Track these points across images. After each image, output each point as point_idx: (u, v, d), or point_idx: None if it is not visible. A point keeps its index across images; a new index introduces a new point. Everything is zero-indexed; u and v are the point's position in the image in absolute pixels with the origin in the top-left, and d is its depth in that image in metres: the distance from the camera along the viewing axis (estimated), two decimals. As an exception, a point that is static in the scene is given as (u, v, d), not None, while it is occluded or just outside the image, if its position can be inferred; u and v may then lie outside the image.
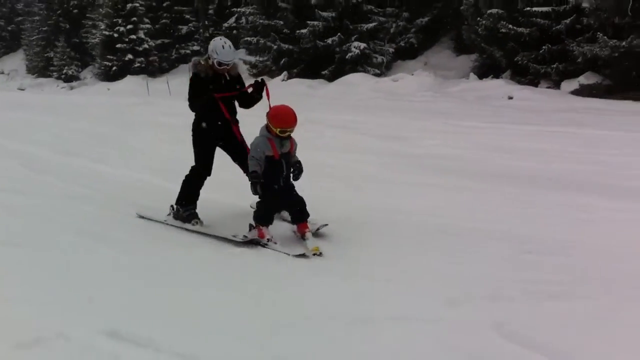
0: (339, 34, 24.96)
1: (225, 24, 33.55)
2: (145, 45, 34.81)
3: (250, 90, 6.01)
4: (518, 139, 10.29)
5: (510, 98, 17.09)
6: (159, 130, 12.45)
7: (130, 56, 34.71)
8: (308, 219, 5.56)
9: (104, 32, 35.14)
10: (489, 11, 19.36)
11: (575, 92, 17.05)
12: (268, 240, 5.36)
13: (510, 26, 18.67)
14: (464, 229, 5.57)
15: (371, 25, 25.10)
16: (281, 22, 26.89)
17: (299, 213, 5.59)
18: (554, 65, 17.98)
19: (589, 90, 16.76)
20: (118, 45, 34.68)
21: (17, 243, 5.15)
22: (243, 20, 30.36)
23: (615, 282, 4.22)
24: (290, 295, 4.22)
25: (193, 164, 6.12)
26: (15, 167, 8.92)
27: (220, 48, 5.74)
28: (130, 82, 31.93)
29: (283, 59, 26.96)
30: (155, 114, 15.11)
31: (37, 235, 5.42)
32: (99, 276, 4.42)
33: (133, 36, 34.52)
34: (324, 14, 25.07)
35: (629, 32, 15.76)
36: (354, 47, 24.57)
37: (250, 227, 5.56)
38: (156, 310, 3.85)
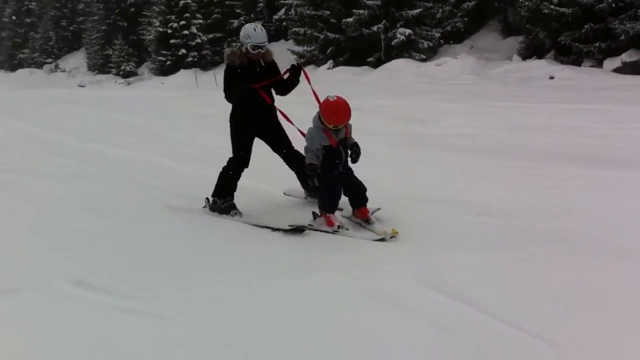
0: (384, 21, 25.18)
1: (275, 16, 34.14)
2: (198, 40, 35.84)
3: (286, 76, 5.89)
4: (546, 117, 10.44)
5: (552, 78, 17.05)
6: (194, 121, 13.06)
7: (183, 51, 35.83)
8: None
9: (158, 28, 36.35)
10: (531, -8, 19.31)
11: (618, 70, 16.91)
12: (339, 227, 5.26)
13: (552, 6, 18.58)
14: (436, 198, 6.07)
15: (416, 11, 25.20)
16: (327, 12, 27.28)
17: (359, 197, 5.51)
18: (597, 44, 17.83)
19: (632, 68, 16.60)
20: (172, 41, 35.82)
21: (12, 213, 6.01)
22: (292, 12, 30.86)
23: (546, 241, 4.61)
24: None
25: (223, 153, 5.98)
26: (40, 152, 9.86)
27: (252, 31, 5.64)
28: (183, 76, 32.94)
29: (330, 48, 27.35)
30: (196, 105, 15.80)
31: (32, 207, 6.26)
32: (80, 238, 5.15)
33: (186, 31, 35.59)
34: (369, 2, 25.31)
35: (672, 7, 15.54)
36: (400, 33, 24.73)
37: (315, 215, 5.44)
38: (127, 266, 4.47)
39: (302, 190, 6.38)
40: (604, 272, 3.99)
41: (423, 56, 24.90)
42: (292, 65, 5.94)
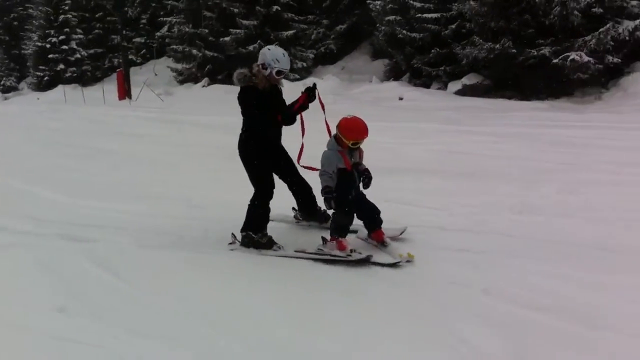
0: (259, 41, 25.85)
1: (158, 33, 34.24)
2: (78, 55, 35.37)
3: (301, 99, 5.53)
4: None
5: (401, 99, 18.14)
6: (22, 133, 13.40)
7: (62, 66, 35.25)
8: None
9: (37, 43, 35.66)
10: (386, 18, 20.46)
11: (459, 92, 18.17)
12: (351, 250, 5.19)
13: (404, 32, 19.78)
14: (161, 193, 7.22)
15: (291, 32, 26.06)
16: (206, 31, 27.76)
17: (374, 220, 5.49)
18: (442, 68, 19.11)
19: (471, 90, 17.89)
20: (50, 56, 35.24)
21: None
22: (175, 29, 31.11)
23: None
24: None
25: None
26: None
27: (281, 56, 5.47)
28: (60, 92, 32.41)
29: (208, 66, 27.78)
30: (44, 119, 15.95)
31: None
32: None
33: (65, 46, 35.08)
34: (246, 22, 25.97)
35: (503, 35, 16.90)
36: (274, 53, 25.45)
37: (324, 240, 5.38)
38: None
39: (286, 214, 6.34)
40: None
41: (297, 76, 25.69)
42: (308, 87, 5.61)
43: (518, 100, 16.70)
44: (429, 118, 13.56)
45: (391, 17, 20.36)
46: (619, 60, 16.07)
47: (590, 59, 15.70)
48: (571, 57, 15.63)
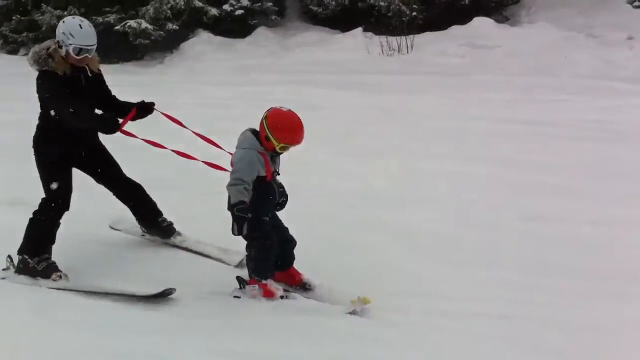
0: None
1: None
2: None
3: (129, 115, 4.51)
4: None
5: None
6: None
7: None
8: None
9: None
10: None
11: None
12: (282, 297, 3.97)
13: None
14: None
15: None
16: None
17: (291, 254, 4.23)
18: (25, 34, 19.28)
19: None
20: None
21: None
22: None
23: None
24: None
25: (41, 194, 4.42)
26: None
27: (77, 28, 4.15)
28: None
29: None
30: None
31: None
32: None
33: None
34: None
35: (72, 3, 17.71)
36: None
37: (241, 283, 4.08)
38: None
39: (135, 223, 5.05)
40: None
41: None
42: (144, 103, 4.59)
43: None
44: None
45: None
46: (177, 27, 17.83)
47: (150, 26, 17.20)
48: (128, 24, 16.97)
